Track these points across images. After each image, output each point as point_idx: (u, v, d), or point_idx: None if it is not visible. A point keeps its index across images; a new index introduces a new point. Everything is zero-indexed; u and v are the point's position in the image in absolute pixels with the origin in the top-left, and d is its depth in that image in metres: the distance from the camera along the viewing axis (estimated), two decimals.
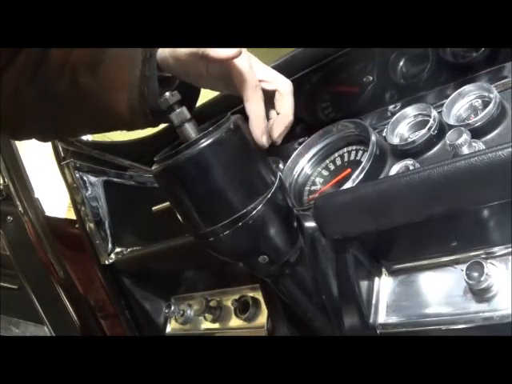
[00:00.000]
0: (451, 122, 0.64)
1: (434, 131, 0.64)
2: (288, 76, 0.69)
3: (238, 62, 0.56)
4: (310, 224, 0.62)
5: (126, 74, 0.58)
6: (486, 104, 0.62)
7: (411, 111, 0.70)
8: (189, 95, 0.64)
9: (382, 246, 0.66)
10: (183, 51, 0.56)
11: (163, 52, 0.57)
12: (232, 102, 0.77)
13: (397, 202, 0.54)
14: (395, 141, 0.69)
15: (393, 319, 0.63)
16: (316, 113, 0.88)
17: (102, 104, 0.60)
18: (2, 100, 0.64)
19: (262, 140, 0.54)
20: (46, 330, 1.28)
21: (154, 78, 0.57)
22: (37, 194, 1.23)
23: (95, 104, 0.61)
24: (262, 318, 0.86)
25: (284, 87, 0.59)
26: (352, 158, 0.77)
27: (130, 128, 0.64)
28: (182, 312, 1.00)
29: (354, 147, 0.77)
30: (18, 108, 0.65)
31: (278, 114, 0.59)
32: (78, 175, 1.09)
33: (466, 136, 0.57)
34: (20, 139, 0.73)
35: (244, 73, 0.56)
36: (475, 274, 0.55)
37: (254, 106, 0.55)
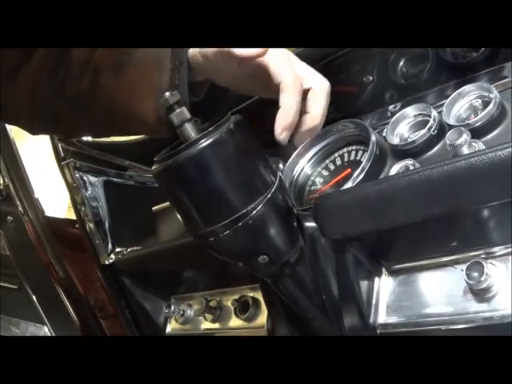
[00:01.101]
0: (451, 122, 0.64)
1: (434, 131, 0.64)
2: None
3: (270, 57, 0.53)
4: (310, 224, 0.62)
5: (154, 80, 0.57)
6: (486, 104, 0.62)
7: (411, 111, 0.70)
8: (219, 94, 0.62)
9: (382, 246, 0.66)
10: (210, 50, 0.54)
11: (193, 50, 0.56)
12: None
13: (397, 201, 0.54)
14: (395, 141, 0.69)
15: (393, 319, 0.63)
16: None
17: (125, 108, 0.58)
18: (19, 95, 0.63)
19: (281, 136, 0.50)
20: (46, 330, 1.28)
21: (183, 87, 0.56)
22: (37, 194, 1.23)
23: (117, 107, 0.59)
24: (262, 318, 0.86)
25: (320, 86, 0.55)
26: (352, 157, 0.77)
27: (151, 134, 0.63)
28: (182, 312, 1.00)
29: (353, 147, 0.77)
30: (36, 104, 0.64)
31: (306, 113, 0.55)
32: (78, 175, 1.09)
33: (465, 136, 0.57)
34: (36, 134, 0.72)
35: (280, 65, 0.52)
36: (475, 274, 0.54)
37: (289, 96, 0.51)
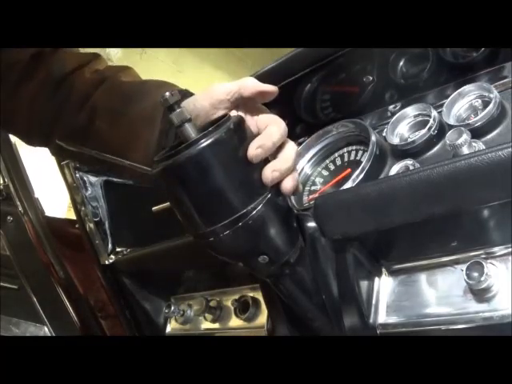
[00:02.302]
0: (451, 122, 0.64)
1: (434, 131, 0.64)
2: (288, 76, 0.69)
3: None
4: (310, 224, 0.62)
5: (144, 137, 0.60)
6: (486, 104, 0.62)
7: (411, 111, 0.70)
8: None
9: (382, 246, 0.66)
10: (208, 102, 0.57)
11: (188, 104, 0.57)
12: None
13: (397, 202, 0.54)
14: (395, 141, 0.69)
15: (393, 319, 0.63)
16: (316, 113, 0.88)
17: (115, 153, 0.60)
18: (18, 110, 0.66)
19: (256, 151, 0.52)
20: (46, 330, 1.28)
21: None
22: (37, 194, 1.23)
23: (107, 148, 0.61)
24: (262, 318, 0.86)
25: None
26: (352, 157, 0.77)
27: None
28: (182, 312, 1.00)
29: (353, 147, 0.77)
30: (33, 120, 0.66)
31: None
32: (78, 175, 1.09)
33: (465, 136, 0.57)
34: (34, 146, 0.74)
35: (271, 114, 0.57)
36: (475, 274, 0.54)
37: (276, 127, 0.54)
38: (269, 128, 0.54)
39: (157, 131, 0.59)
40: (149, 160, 0.58)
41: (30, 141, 0.72)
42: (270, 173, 0.53)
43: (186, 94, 0.60)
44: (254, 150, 0.52)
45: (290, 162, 0.54)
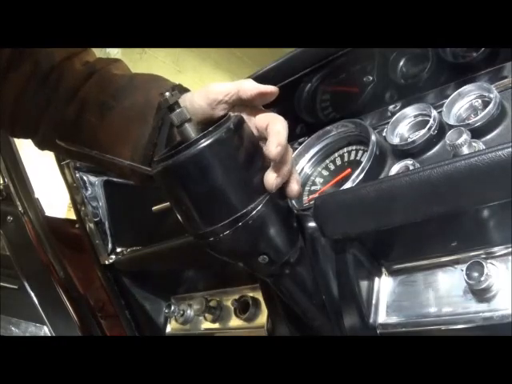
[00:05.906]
0: (451, 122, 0.64)
1: (434, 131, 0.64)
2: (288, 76, 0.69)
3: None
4: (310, 224, 0.62)
5: (134, 132, 0.58)
6: (486, 104, 0.62)
7: (411, 111, 0.70)
8: None
9: (382, 246, 0.66)
10: (205, 102, 0.56)
11: (184, 102, 0.56)
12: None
13: (397, 201, 0.54)
14: (395, 141, 0.69)
15: (393, 319, 0.63)
16: (316, 113, 0.88)
17: (103, 148, 0.59)
18: (4, 100, 0.64)
19: (276, 150, 0.51)
20: (46, 330, 1.28)
21: (161, 146, 0.58)
22: (37, 194, 1.23)
23: (96, 143, 0.60)
24: (262, 318, 0.86)
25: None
26: (352, 157, 0.77)
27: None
28: (182, 312, 1.00)
29: (353, 147, 0.78)
30: (19, 111, 0.65)
31: None
32: (78, 175, 1.09)
33: (466, 136, 0.57)
34: (18, 137, 0.73)
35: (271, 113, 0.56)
36: (475, 274, 0.55)
37: (280, 125, 0.54)
38: (274, 126, 0.54)
39: (149, 127, 0.58)
40: (137, 156, 0.58)
41: (14, 132, 0.69)
42: (273, 179, 0.52)
43: (179, 89, 0.60)
44: (275, 149, 0.51)
45: (289, 164, 0.54)
